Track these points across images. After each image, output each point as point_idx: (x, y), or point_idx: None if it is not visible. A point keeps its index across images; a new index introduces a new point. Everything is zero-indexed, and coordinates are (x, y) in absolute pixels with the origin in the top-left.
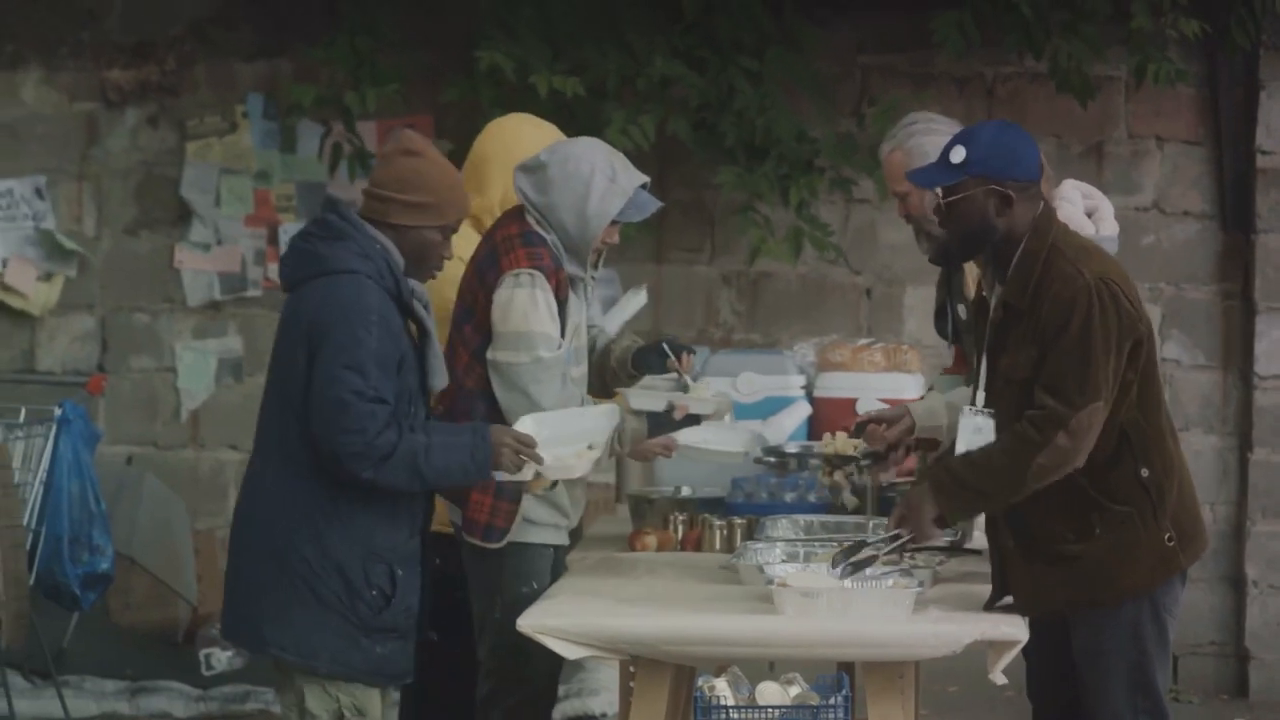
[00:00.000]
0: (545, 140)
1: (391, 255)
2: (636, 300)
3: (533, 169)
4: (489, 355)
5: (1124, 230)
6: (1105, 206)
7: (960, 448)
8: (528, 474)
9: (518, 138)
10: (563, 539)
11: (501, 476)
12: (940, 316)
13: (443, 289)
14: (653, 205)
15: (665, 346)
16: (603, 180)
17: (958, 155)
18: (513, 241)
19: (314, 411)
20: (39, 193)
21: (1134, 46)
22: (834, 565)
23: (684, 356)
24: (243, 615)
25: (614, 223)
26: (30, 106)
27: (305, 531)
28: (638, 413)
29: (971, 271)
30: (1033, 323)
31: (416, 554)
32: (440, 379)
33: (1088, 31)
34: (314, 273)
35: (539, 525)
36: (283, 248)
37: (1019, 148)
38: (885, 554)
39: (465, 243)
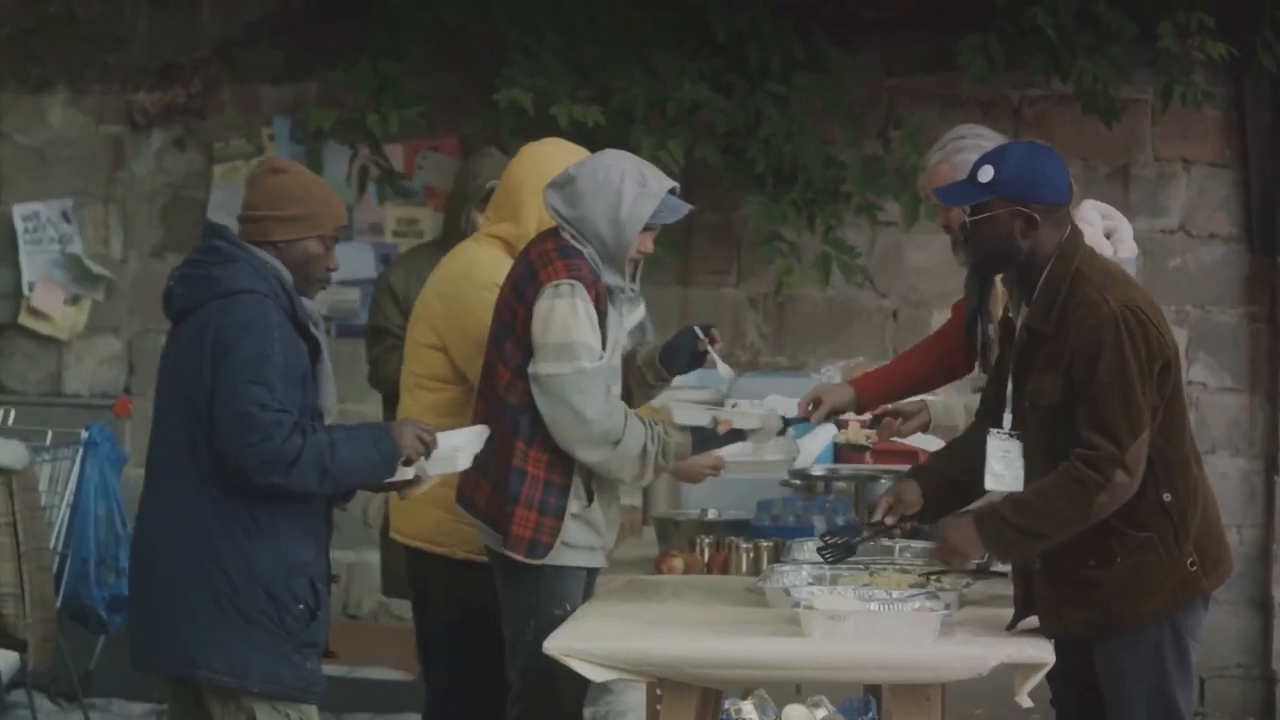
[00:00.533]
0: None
1: (282, 274)
2: (637, 313)
3: (562, 185)
4: (530, 369)
5: (1150, 253)
6: (1124, 228)
7: (989, 471)
8: (408, 472)
9: (550, 163)
10: (597, 561)
11: (400, 475)
12: (971, 327)
13: (477, 316)
14: (684, 208)
15: (696, 330)
16: (633, 185)
17: (985, 174)
18: (549, 255)
19: (219, 426)
20: (65, 216)
21: (1160, 69)
22: (820, 553)
23: (711, 332)
24: (165, 639)
25: (648, 229)
26: (57, 130)
27: (226, 547)
28: (682, 427)
29: (1001, 291)
30: (1058, 349)
31: (326, 572)
32: (330, 397)
33: (1113, 53)
34: (210, 295)
35: (575, 548)
36: None
37: (1048, 170)
38: (864, 538)
39: (502, 269)
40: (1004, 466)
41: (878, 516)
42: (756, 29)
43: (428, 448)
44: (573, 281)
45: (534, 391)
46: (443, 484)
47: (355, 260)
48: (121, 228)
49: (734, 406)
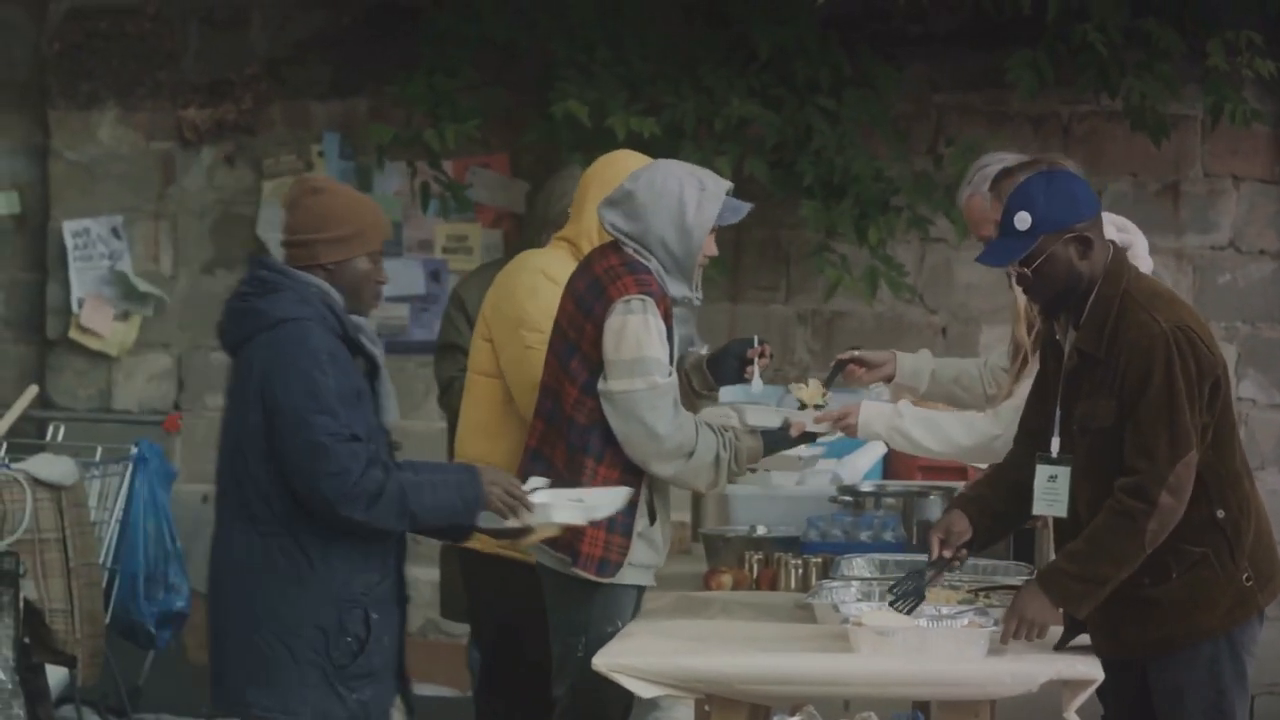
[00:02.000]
0: None
1: (330, 296)
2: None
3: (618, 201)
4: (601, 386)
5: (1200, 269)
6: (1140, 242)
7: (1037, 496)
8: (514, 522)
9: (619, 169)
10: (651, 580)
11: (485, 523)
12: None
13: (516, 298)
14: (745, 207)
15: (754, 338)
16: (694, 190)
17: (1023, 222)
18: (617, 271)
19: (290, 461)
20: (115, 232)
21: (1209, 86)
22: (893, 605)
23: (763, 347)
24: (228, 681)
25: (711, 232)
26: (107, 146)
27: (273, 586)
28: (753, 430)
29: (1021, 306)
30: (1110, 371)
31: (391, 593)
32: (392, 415)
33: (1163, 70)
34: (256, 329)
35: (636, 567)
36: None
37: (1074, 189)
38: (931, 579)
39: (560, 265)
40: (1052, 492)
41: (934, 554)
42: (803, 45)
43: (517, 502)
44: (644, 297)
45: (606, 409)
46: None
47: (404, 276)
48: (171, 244)
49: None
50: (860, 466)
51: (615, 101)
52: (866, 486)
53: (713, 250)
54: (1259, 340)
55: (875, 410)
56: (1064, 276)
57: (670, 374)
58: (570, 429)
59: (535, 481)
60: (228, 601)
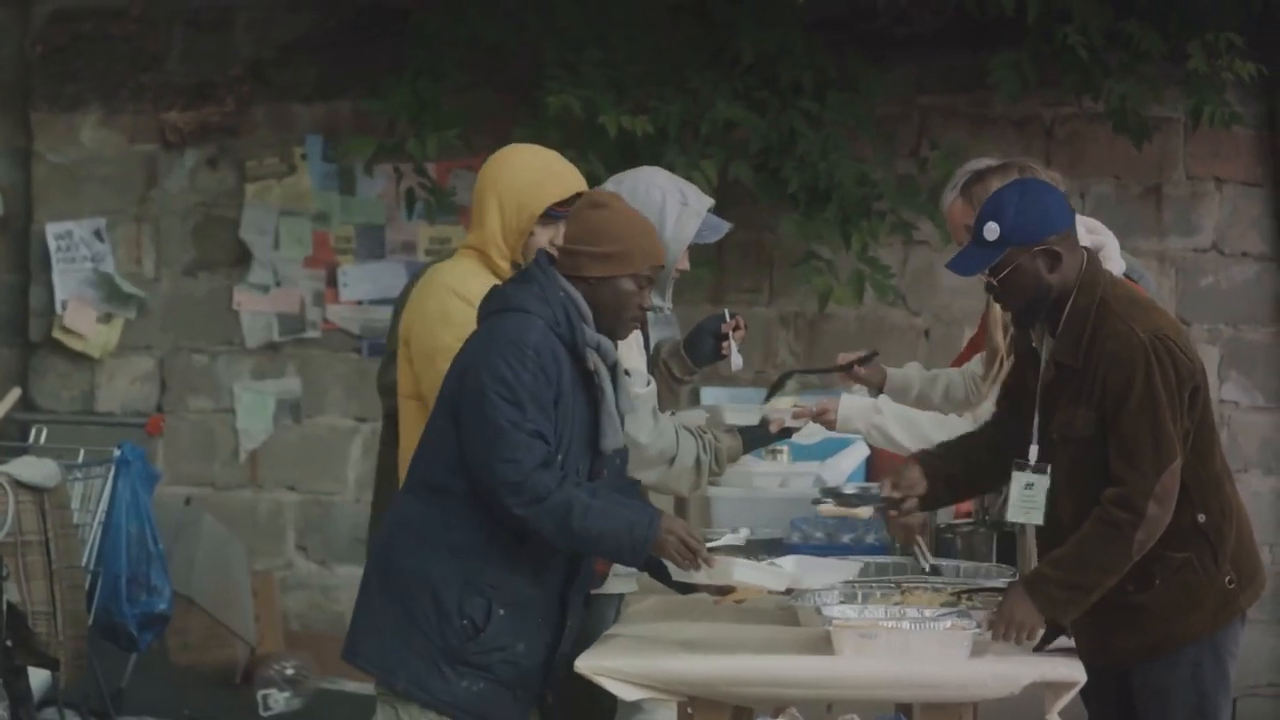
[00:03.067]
0: (537, 164)
1: (576, 304)
2: (668, 333)
3: None
4: None
5: (1183, 272)
6: (1111, 243)
7: (1012, 503)
8: (700, 576)
9: (510, 165)
10: (634, 585)
11: (677, 575)
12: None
13: (429, 326)
14: (724, 226)
15: (725, 312)
16: (675, 204)
17: (992, 232)
18: None
19: (471, 436)
20: (98, 234)
21: (1190, 89)
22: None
23: (736, 320)
24: (352, 626)
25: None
26: (90, 148)
27: (407, 543)
28: (731, 429)
29: (997, 314)
30: (1088, 381)
31: (535, 603)
32: (612, 439)
33: (1145, 72)
34: (495, 309)
35: (619, 575)
36: (341, 289)
37: (1047, 202)
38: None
39: (469, 278)
40: (1029, 500)
41: (884, 493)
42: (788, 46)
43: (693, 555)
44: None
45: None
46: None
47: (387, 279)
48: (154, 246)
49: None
50: (843, 469)
51: (603, 102)
52: (849, 489)
53: (685, 265)
54: (1241, 343)
55: (855, 405)
56: (1031, 288)
57: (649, 383)
58: None
59: (728, 538)
60: (375, 553)
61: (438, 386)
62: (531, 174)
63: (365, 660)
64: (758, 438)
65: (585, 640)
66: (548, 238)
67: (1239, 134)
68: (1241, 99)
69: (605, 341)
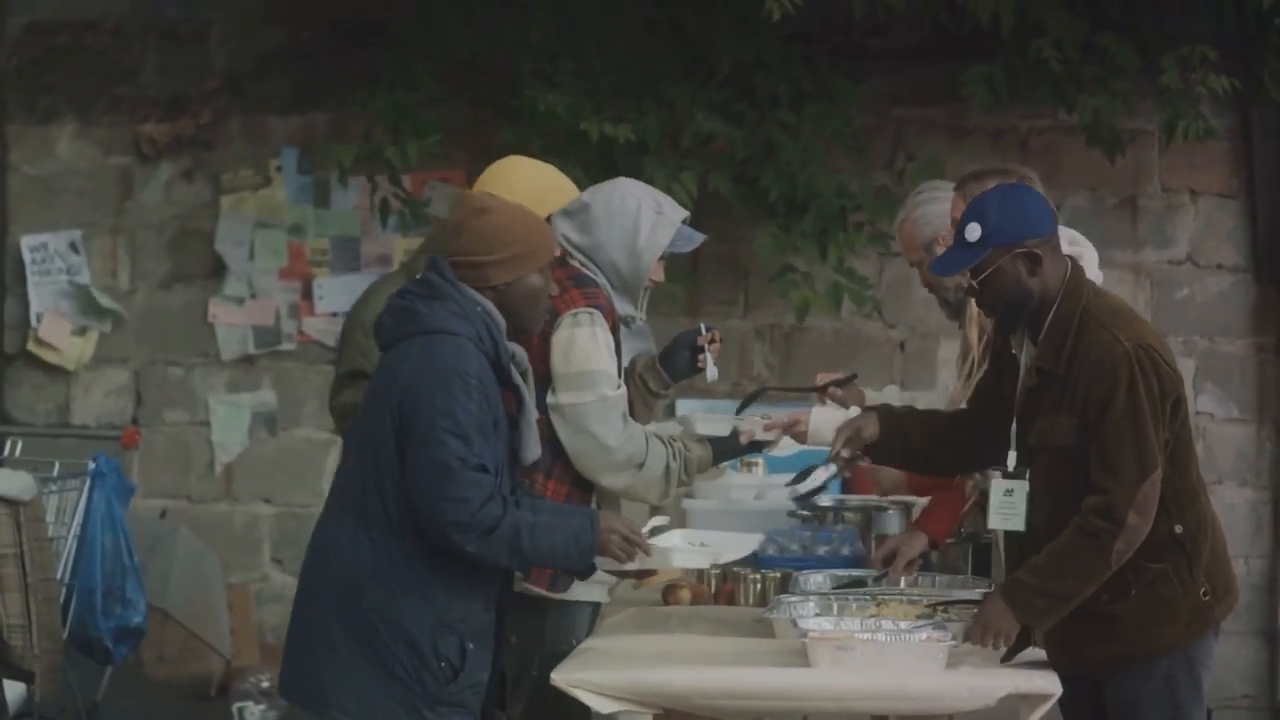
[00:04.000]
0: (539, 178)
1: (493, 318)
2: (644, 346)
3: (574, 212)
4: (550, 400)
5: (1158, 284)
6: (1090, 255)
7: (991, 509)
8: (633, 565)
9: (513, 178)
10: (605, 596)
11: (604, 566)
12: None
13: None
14: (699, 237)
15: (700, 326)
16: (650, 213)
17: (973, 233)
18: (564, 284)
19: (416, 475)
20: (74, 247)
21: (1164, 102)
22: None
23: (712, 333)
24: (305, 671)
25: (660, 258)
26: (65, 161)
27: (375, 591)
28: (702, 439)
29: (975, 312)
30: (1070, 390)
31: (489, 628)
32: (532, 451)
33: (1118, 86)
34: (412, 330)
35: (589, 583)
36: (317, 302)
37: (1029, 205)
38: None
39: None
40: (1008, 506)
41: (834, 450)
42: (764, 59)
43: (635, 548)
44: (591, 310)
45: (555, 422)
46: None
47: (362, 291)
48: (129, 259)
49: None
50: (818, 480)
51: (580, 113)
52: (825, 501)
53: (659, 276)
54: (1216, 354)
55: (825, 417)
56: (1011, 291)
57: (619, 386)
58: None
59: (655, 521)
60: (323, 598)
61: None
62: (531, 185)
63: (342, 711)
64: (728, 449)
65: (557, 651)
66: None
67: (1214, 146)
68: (1216, 111)
69: (520, 351)
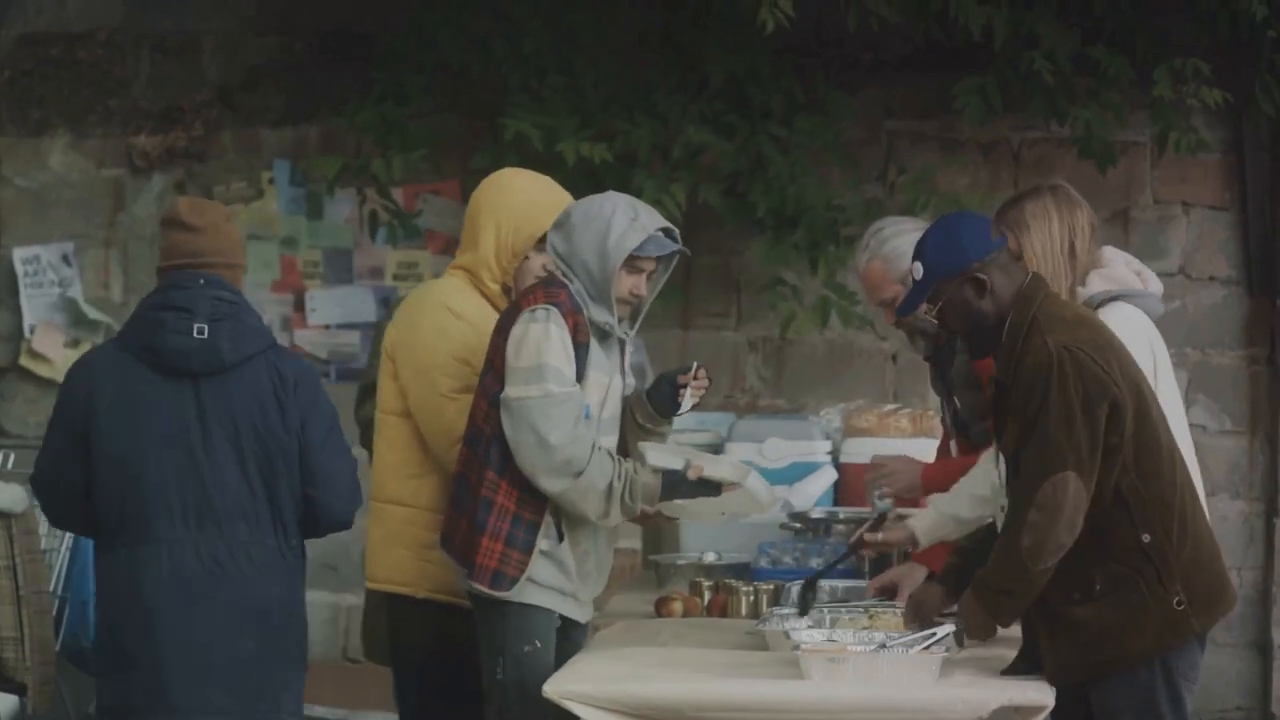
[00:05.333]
0: (536, 189)
1: None
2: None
3: (560, 223)
4: (501, 395)
5: None
6: (1114, 257)
7: (1000, 525)
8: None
9: (509, 189)
10: (569, 609)
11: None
12: (943, 411)
13: (423, 340)
14: (671, 246)
15: (693, 364)
16: (624, 219)
17: (918, 272)
18: (533, 288)
19: (331, 475)
20: (66, 259)
21: (1156, 115)
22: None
23: (696, 371)
24: (252, 687)
25: (637, 267)
26: (57, 173)
27: (291, 594)
28: (654, 469)
29: None
30: (1016, 396)
31: None
32: None
33: (1110, 98)
34: (264, 346)
35: (542, 586)
36: (309, 314)
37: (960, 233)
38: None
39: (461, 296)
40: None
41: (907, 624)
42: (756, 71)
43: None
44: (548, 306)
45: (503, 418)
46: (408, 522)
47: (355, 304)
48: (122, 271)
49: (721, 453)
50: (811, 493)
51: (567, 127)
52: (817, 513)
53: (640, 290)
54: (1208, 367)
55: (926, 523)
56: (966, 316)
57: (570, 385)
58: (478, 440)
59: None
60: (261, 615)
61: (434, 408)
62: (530, 198)
63: (289, 711)
64: (676, 483)
65: (520, 653)
66: (540, 263)
67: (1206, 158)
68: (1208, 123)
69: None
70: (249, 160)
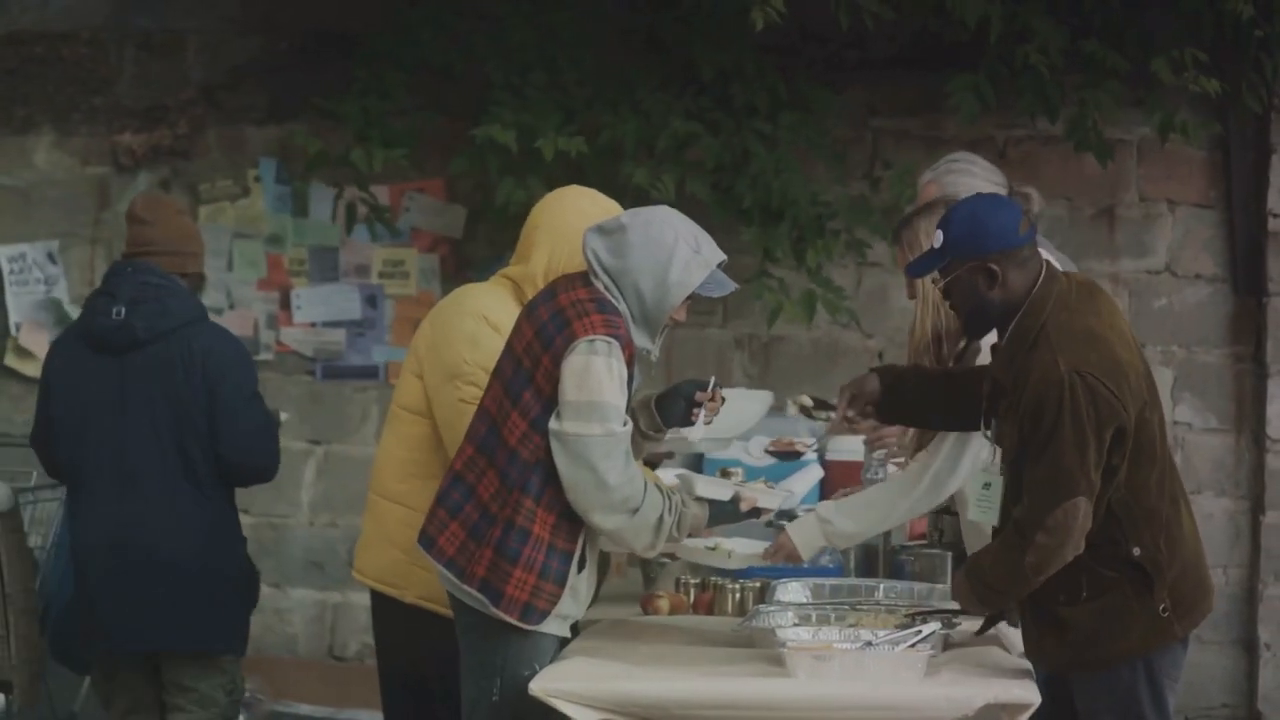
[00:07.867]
0: (597, 214)
1: None
2: None
3: (610, 231)
4: (553, 425)
5: (1135, 293)
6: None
7: (971, 502)
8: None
9: (571, 210)
10: (567, 631)
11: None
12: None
13: (454, 345)
14: (730, 285)
15: (711, 380)
16: (686, 249)
17: (938, 240)
18: (585, 306)
19: (236, 435)
20: (51, 257)
21: (1154, 104)
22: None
23: (714, 393)
24: (188, 622)
25: (688, 299)
26: (42, 171)
27: (219, 542)
28: (701, 499)
29: None
30: (1015, 403)
31: None
32: None
33: (1110, 86)
34: (180, 323)
35: (561, 617)
36: (295, 312)
37: (989, 219)
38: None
39: (501, 308)
40: (986, 500)
41: (840, 413)
42: (741, 68)
43: None
44: (610, 339)
45: (554, 449)
46: (404, 524)
47: (341, 301)
48: (107, 269)
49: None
50: (797, 490)
51: (549, 124)
52: (804, 510)
53: (682, 316)
54: (1194, 364)
55: (802, 530)
56: (970, 300)
57: (626, 424)
58: (511, 462)
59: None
60: (191, 560)
61: (456, 413)
62: (589, 220)
63: (225, 643)
64: (726, 514)
65: (519, 676)
66: None
67: (1191, 156)
68: (1195, 120)
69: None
70: (233, 159)
